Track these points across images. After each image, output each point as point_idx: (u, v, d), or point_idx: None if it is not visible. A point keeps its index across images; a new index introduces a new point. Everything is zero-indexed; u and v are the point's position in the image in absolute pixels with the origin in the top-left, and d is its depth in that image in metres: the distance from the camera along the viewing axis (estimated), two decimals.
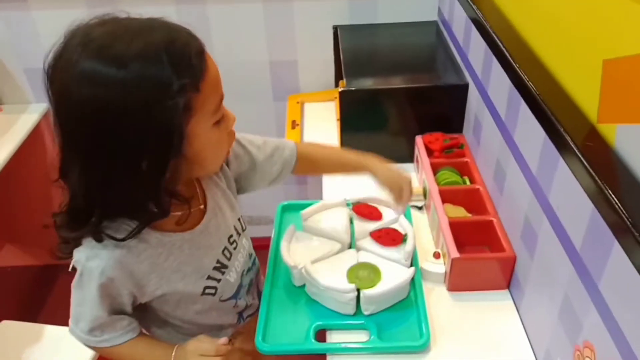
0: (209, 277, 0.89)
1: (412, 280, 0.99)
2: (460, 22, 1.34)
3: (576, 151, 0.73)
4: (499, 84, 1.05)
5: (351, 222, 1.12)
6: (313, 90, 1.75)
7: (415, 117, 1.35)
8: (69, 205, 0.75)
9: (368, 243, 1.05)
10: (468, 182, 1.22)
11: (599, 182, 0.67)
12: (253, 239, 1.04)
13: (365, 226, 1.08)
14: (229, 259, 0.92)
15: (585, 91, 0.81)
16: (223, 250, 0.91)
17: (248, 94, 1.76)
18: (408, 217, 1.12)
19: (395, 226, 1.08)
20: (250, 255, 1.02)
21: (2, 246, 2.10)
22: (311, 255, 1.01)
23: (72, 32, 0.69)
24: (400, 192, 1.02)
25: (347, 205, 1.14)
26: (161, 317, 0.91)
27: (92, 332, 0.83)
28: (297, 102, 1.67)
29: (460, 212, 1.16)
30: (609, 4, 0.74)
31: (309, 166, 1.04)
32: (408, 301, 0.98)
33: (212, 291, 0.90)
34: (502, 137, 1.05)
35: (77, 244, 0.79)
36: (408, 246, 1.01)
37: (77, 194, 0.73)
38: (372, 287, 0.93)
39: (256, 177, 0.99)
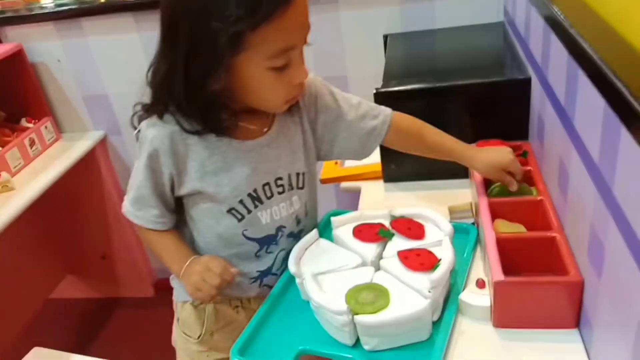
0: (240, 202, 0.88)
1: (440, 320, 0.78)
2: (521, 14, 1.14)
3: None
4: (557, 60, 0.83)
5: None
6: None
7: (470, 123, 1.13)
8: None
9: (392, 263, 0.85)
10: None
11: None
12: None
13: (400, 244, 0.89)
14: (267, 198, 0.89)
15: None
16: (264, 185, 0.89)
17: None
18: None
19: (434, 249, 0.87)
20: (299, 221, 0.95)
21: (63, 277, 2.11)
22: (321, 266, 0.85)
23: None
24: (503, 176, 0.96)
25: (392, 218, 0.95)
26: (188, 224, 0.93)
27: (134, 203, 0.88)
28: None
29: (517, 230, 0.92)
30: None
31: (402, 140, 1.00)
32: (427, 343, 0.76)
33: (239, 216, 0.89)
34: (563, 127, 0.81)
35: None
36: (436, 274, 0.79)
37: (156, 88, 0.81)
38: (371, 313, 0.73)
39: (342, 136, 0.96)
